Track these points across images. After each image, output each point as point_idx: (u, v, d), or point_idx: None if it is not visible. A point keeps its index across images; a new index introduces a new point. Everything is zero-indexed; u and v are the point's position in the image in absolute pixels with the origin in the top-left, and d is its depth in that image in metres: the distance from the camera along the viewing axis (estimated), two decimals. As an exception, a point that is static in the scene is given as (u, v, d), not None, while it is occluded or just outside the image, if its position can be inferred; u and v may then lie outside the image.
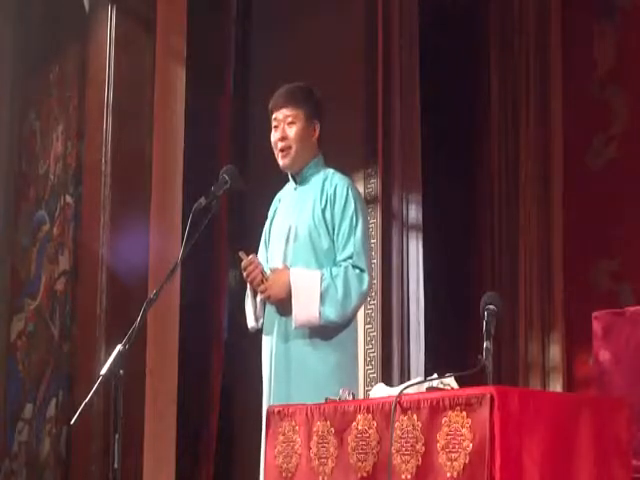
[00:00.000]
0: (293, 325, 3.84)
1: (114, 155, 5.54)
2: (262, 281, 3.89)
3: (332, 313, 3.81)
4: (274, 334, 3.93)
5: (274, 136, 4.01)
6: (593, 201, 6.00)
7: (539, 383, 5.92)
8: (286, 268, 3.88)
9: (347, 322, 3.90)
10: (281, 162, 4.01)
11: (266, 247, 4.13)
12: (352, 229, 3.87)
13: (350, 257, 3.86)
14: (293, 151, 3.97)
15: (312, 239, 3.91)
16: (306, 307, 3.81)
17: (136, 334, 3.23)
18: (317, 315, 3.80)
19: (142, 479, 5.33)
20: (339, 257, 3.88)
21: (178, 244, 5.14)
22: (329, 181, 3.96)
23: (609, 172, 6.00)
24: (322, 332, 3.85)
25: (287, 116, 3.96)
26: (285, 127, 3.97)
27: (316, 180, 3.99)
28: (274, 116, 4.01)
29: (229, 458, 6.66)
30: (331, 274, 3.82)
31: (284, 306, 3.88)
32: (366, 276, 3.86)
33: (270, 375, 3.93)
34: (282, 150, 3.98)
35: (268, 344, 3.98)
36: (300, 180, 4.04)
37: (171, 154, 5.70)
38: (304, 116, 3.97)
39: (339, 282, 3.81)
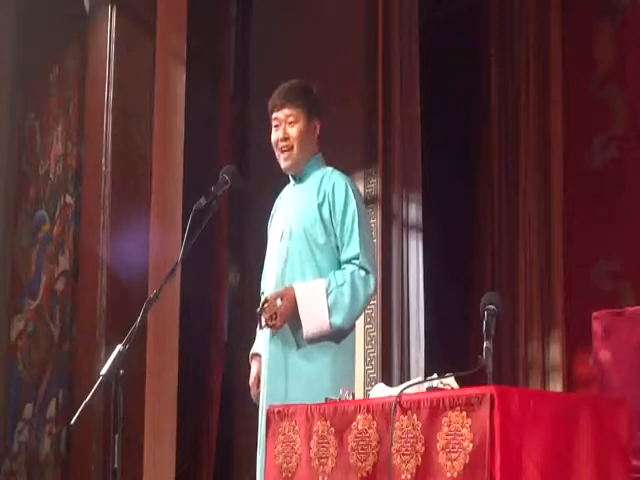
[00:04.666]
0: (304, 337, 3.81)
1: (114, 155, 5.55)
2: (271, 317, 3.84)
3: (340, 319, 3.80)
4: (270, 337, 3.92)
5: (275, 136, 3.97)
6: (593, 201, 5.99)
7: (539, 383, 5.92)
8: (290, 287, 3.83)
9: (353, 325, 3.91)
10: (283, 164, 3.97)
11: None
12: (355, 227, 3.85)
13: (356, 258, 3.83)
14: (295, 151, 3.93)
15: (307, 235, 3.88)
16: (316, 322, 3.79)
17: (136, 334, 3.23)
18: (328, 327, 3.80)
19: (142, 479, 5.33)
20: (344, 256, 3.86)
21: (178, 244, 5.13)
22: (327, 178, 3.94)
23: (609, 172, 5.99)
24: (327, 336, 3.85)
25: (288, 115, 3.93)
26: (286, 127, 3.94)
27: (314, 177, 3.98)
28: (274, 115, 3.97)
29: (229, 458, 6.66)
30: (337, 282, 3.80)
31: (290, 320, 3.86)
32: (372, 278, 3.84)
33: (267, 376, 3.92)
34: (284, 151, 3.95)
35: (265, 347, 3.97)
36: (299, 177, 4.03)
37: (171, 154, 5.70)
38: (305, 115, 3.94)
39: (346, 289, 3.79)
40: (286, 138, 3.94)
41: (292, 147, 3.94)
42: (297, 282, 3.86)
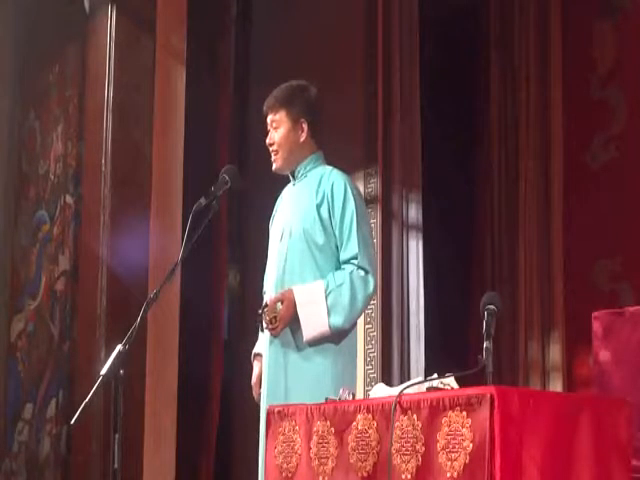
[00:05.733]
0: (304, 340, 3.81)
1: (114, 155, 5.55)
2: (271, 321, 3.85)
3: (340, 320, 3.80)
4: (270, 339, 3.92)
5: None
6: (593, 201, 6.00)
7: (539, 383, 5.92)
8: (289, 290, 3.84)
9: (353, 326, 3.92)
10: (273, 167, 4.05)
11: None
12: (353, 227, 3.86)
13: (354, 257, 3.84)
14: (279, 155, 4.00)
15: (306, 235, 3.89)
16: (315, 324, 3.79)
17: (136, 334, 3.22)
18: (327, 329, 3.80)
19: (142, 479, 5.33)
20: (343, 257, 3.86)
21: (178, 244, 5.13)
22: (326, 177, 3.96)
23: (609, 172, 6.00)
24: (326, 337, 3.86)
25: (272, 121, 4.01)
26: (272, 132, 4.02)
27: (313, 176, 4.00)
28: (267, 121, 4.05)
29: (229, 458, 6.66)
30: (335, 283, 3.80)
31: (290, 323, 3.86)
32: (371, 277, 3.84)
33: (267, 373, 3.93)
34: (272, 154, 4.03)
35: (265, 347, 3.97)
36: (297, 177, 4.05)
37: (171, 154, 5.70)
38: (288, 118, 3.99)
39: (345, 289, 3.79)
40: (271, 144, 4.02)
41: (277, 151, 4.01)
42: (296, 282, 3.87)
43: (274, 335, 3.86)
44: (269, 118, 4.02)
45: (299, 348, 3.84)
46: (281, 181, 4.19)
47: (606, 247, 5.90)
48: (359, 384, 5.64)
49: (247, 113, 6.82)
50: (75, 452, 5.60)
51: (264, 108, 4.05)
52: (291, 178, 4.09)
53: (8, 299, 6.68)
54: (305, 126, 3.99)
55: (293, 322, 3.82)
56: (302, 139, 4.00)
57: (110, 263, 5.43)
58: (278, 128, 3.99)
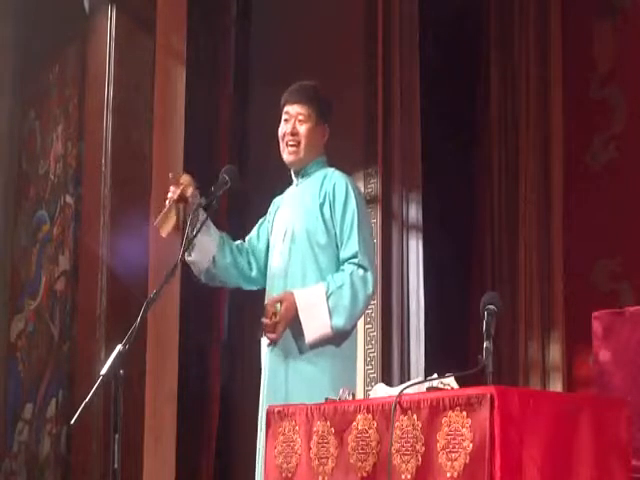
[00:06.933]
0: (306, 342, 3.81)
1: (114, 155, 5.54)
2: (270, 317, 3.84)
3: (341, 321, 3.80)
4: (271, 349, 3.92)
5: (283, 129, 4.00)
6: (593, 201, 6.00)
7: (539, 383, 5.92)
8: (290, 293, 3.84)
9: (354, 326, 3.92)
10: (287, 157, 4.00)
11: (257, 237, 4.16)
12: (354, 226, 3.86)
13: (355, 256, 3.84)
14: (301, 148, 3.97)
15: (309, 236, 3.90)
16: (317, 326, 3.78)
17: (136, 334, 3.22)
18: (329, 331, 3.80)
19: (142, 479, 5.33)
20: (343, 255, 3.86)
21: (178, 244, 5.13)
22: (329, 178, 3.96)
23: (609, 172, 6.00)
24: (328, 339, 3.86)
25: (299, 113, 3.97)
26: (296, 123, 3.97)
27: (316, 177, 4.00)
28: (286, 109, 4.00)
29: (229, 458, 6.65)
30: (336, 285, 3.79)
31: (291, 327, 3.86)
32: (370, 276, 3.84)
33: (267, 377, 3.92)
34: (290, 145, 3.98)
35: (265, 357, 3.97)
36: (301, 176, 4.05)
37: (171, 154, 5.70)
38: (315, 116, 3.98)
39: (346, 291, 3.78)
40: (295, 134, 3.97)
41: (299, 143, 3.97)
42: (299, 283, 3.87)
43: (274, 339, 3.85)
44: (295, 109, 3.97)
45: (301, 351, 3.84)
46: (281, 181, 4.19)
47: (606, 247, 5.90)
48: (359, 384, 5.64)
49: (247, 113, 6.82)
50: (75, 452, 5.59)
51: (288, 97, 4.00)
52: (294, 179, 4.09)
53: (8, 299, 6.68)
54: (327, 132, 4.03)
55: (294, 325, 3.82)
56: (321, 141, 4.02)
57: (110, 263, 5.43)
58: (304, 122, 3.96)
